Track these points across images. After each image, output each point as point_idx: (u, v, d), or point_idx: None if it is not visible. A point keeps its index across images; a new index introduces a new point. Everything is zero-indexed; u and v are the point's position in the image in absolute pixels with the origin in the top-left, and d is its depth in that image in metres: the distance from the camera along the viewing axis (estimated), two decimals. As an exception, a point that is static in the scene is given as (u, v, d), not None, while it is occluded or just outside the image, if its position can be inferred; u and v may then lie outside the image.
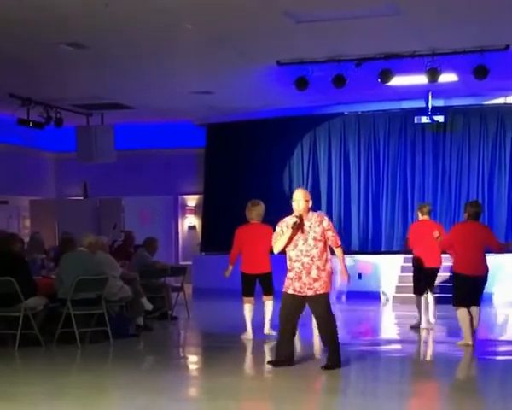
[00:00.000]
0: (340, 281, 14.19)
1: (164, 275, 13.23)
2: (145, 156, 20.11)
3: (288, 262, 8.58)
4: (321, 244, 8.49)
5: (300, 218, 8.44)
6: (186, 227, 20.85)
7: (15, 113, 15.63)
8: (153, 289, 12.80)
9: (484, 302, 14.22)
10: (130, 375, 8.70)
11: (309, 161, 18.62)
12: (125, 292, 11.32)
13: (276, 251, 8.65)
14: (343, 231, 17.90)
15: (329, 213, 17.63)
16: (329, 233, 8.56)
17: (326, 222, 8.59)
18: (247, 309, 10.88)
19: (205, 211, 19.82)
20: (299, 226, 8.44)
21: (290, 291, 8.56)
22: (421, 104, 16.49)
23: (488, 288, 14.74)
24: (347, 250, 17.44)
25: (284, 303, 8.63)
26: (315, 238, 8.46)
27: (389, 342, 11.38)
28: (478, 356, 9.82)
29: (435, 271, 11.86)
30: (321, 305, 8.53)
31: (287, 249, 8.56)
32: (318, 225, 8.51)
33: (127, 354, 10.16)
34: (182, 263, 19.21)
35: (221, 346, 10.60)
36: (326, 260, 8.56)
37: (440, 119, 16.70)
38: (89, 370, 9.14)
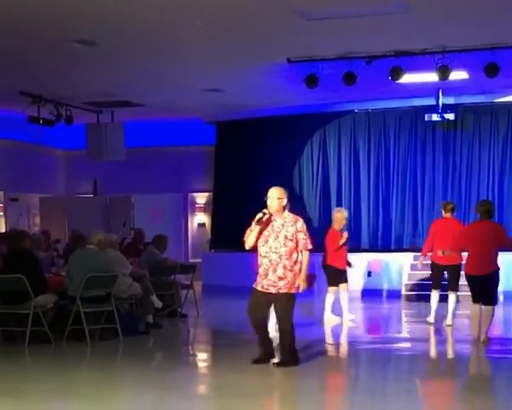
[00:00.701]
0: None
1: (173, 272, 13.23)
2: (155, 154, 20.12)
3: (258, 258, 8.60)
4: (291, 244, 8.48)
5: (270, 214, 8.44)
6: (196, 225, 20.87)
7: (26, 110, 15.65)
8: (162, 286, 12.81)
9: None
10: (140, 372, 8.72)
11: (319, 158, 18.57)
12: (134, 289, 11.34)
13: (246, 247, 8.67)
14: (353, 228, 17.88)
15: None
16: (300, 235, 8.53)
17: (300, 224, 8.58)
18: None
19: (214, 208, 19.82)
20: (266, 222, 8.45)
21: (258, 287, 8.57)
22: (432, 102, 16.44)
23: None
24: (357, 248, 17.47)
25: (249, 299, 8.64)
26: (285, 237, 8.47)
27: (398, 340, 11.34)
28: (489, 355, 9.79)
29: (454, 268, 11.78)
30: (281, 304, 8.52)
31: (258, 245, 8.57)
32: (292, 225, 8.53)
33: (137, 352, 10.18)
34: (191, 260, 19.23)
35: (230, 343, 10.60)
36: (295, 262, 8.54)
37: (451, 116, 16.62)
38: (98, 367, 9.16)
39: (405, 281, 16.27)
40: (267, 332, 8.79)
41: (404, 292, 16.01)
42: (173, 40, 11.79)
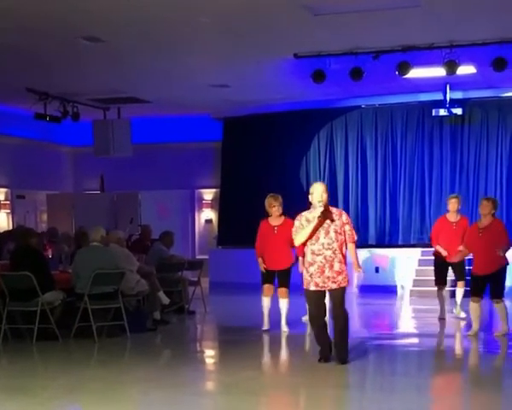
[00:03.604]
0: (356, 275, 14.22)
1: (181, 269, 13.22)
2: (162, 150, 20.10)
3: (310, 256, 8.51)
4: (341, 237, 8.53)
5: (326, 208, 8.41)
6: (203, 221, 20.85)
7: (33, 107, 15.66)
8: (170, 283, 12.80)
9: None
10: (148, 369, 8.71)
11: (326, 154, 18.54)
12: (141, 286, 11.33)
13: (297, 244, 8.66)
14: (360, 224, 17.85)
15: (346, 207, 17.57)
16: (347, 227, 8.58)
17: (345, 216, 8.64)
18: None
19: (221, 205, 19.80)
20: (325, 216, 8.43)
21: (312, 287, 8.51)
22: (439, 97, 16.37)
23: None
24: (364, 244, 17.43)
25: (309, 302, 8.60)
26: (336, 231, 8.47)
27: (406, 335, 11.32)
28: (498, 351, 9.76)
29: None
30: (340, 298, 8.53)
31: (308, 243, 8.52)
32: (338, 218, 8.55)
33: (144, 349, 10.17)
34: (198, 257, 19.20)
35: (238, 340, 10.59)
36: (344, 255, 8.59)
37: (458, 111, 16.58)
38: (106, 364, 9.16)
39: (413, 276, 16.24)
40: (326, 329, 8.72)
41: (411, 288, 15.97)
42: (180, 36, 11.76)
